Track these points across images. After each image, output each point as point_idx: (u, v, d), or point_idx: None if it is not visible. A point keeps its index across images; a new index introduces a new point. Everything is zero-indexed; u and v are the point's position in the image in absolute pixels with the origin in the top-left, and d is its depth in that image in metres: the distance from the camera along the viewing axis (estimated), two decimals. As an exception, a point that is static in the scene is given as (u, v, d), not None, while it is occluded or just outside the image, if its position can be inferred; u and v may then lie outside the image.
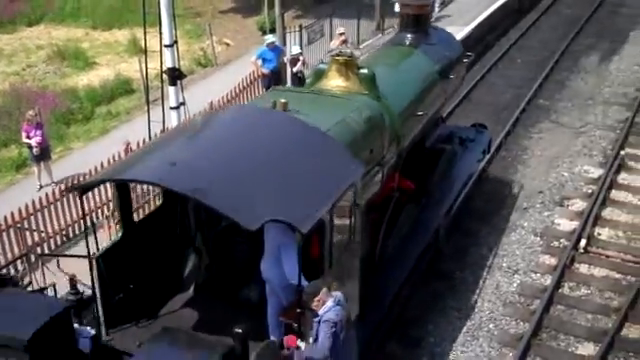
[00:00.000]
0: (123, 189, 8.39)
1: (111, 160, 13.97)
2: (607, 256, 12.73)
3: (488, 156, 15.25)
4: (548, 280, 12.06)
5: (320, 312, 7.24)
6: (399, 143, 10.49)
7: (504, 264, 12.66)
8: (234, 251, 8.93)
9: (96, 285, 7.85)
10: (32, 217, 12.66)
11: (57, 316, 6.96)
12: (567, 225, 13.61)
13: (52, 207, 13.01)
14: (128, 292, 8.24)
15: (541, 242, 13.22)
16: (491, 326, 11.18)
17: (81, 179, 13.65)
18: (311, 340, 7.32)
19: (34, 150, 14.79)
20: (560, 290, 11.90)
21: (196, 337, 7.43)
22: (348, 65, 10.23)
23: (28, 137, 14.80)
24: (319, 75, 10.57)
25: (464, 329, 11.13)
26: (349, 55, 10.33)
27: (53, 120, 18.05)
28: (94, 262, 7.83)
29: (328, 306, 7.25)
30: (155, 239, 8.55)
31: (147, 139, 13.58)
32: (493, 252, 12.99)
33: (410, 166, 11.37)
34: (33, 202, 12.71)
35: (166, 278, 8.70)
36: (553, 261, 12.61)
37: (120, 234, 8.41)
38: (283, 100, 8.86)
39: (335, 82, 10.29)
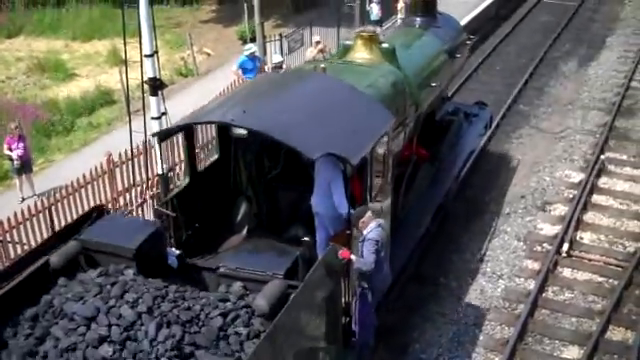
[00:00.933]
0: (190, 139, 9.62)
1: (93, 172, 13.90)
2: (590, 260, 12.85)
3: (489, 132, 16.70)
4: (532, 284, 12.14)
5: (364, 232, 8.51)
6: (417, 109, 11.87)
7: (488, 269, 12.72)
8: (280, 198, 10.30)
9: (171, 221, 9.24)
10: (14, 230, 12.55)
11: (154, 233, 8.29)
12: (549, 230, 13.72)
13: (34, 220, 12.91)
14: (194, 230, 9.56)
15: (524, 247, 13.31)
16: (476, 331, 11.23)
17: (63, 192, 13.57)
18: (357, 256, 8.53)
19: (15, 163, 14.69)
20: (544, 294, 11.99)
21: (274, 243, 9.31)
22: (372, 40, 11.70)
23: (9, 149, 14.71)
24: (345, 50, 12.01)
25: (450, 335, 11.17)
26: (372, 31, 11.98)
27: (34, 132, 17.92)
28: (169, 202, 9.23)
29: (371, 227, 8.52)
30: (212, 188, 9.89)
31: (129, 150, 13.54)
32: (476, 257, 13.06)
33: (423, 136, 12.69)
34: (15, 215, 12.60)
35: (222, 222, 9.97)
36: (536, 265, 12.70)
37: (187, 180, 9.67)
38: (323, 65, 10.88)
39: (360, 55, 11.68)
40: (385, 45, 11.76)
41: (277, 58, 18.65)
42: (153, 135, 9.46)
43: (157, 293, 7.22)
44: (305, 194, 9.01)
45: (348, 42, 12.17)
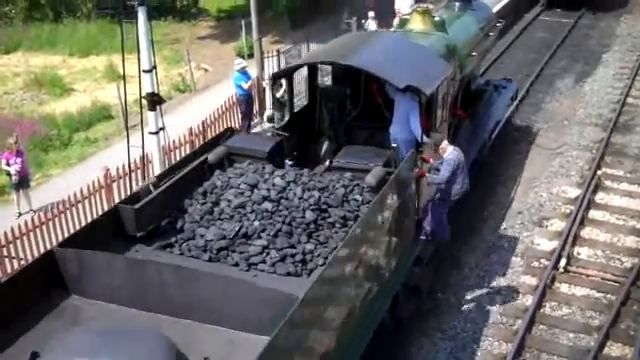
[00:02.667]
0: (290, 81, 12.29)
1: (90, 186, 13.90)
2: (587, 275, 12.85)
3: (516, 102, 19.49)
4: (530, 300, 12.13)
5: (444, 156, 10.88)
6: (462, 70, 14.11)
7: (486, 284, 12.71)
8: (356, 136, 12.49)
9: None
10: (11, 245, 12.54)
11: (278, 143, 10.90)
12: (547, 245, 13.73)
13: (31, 234, 12.90)
14: (292, 157, 11.75)
15: (522, 262, 13.31)
16: (474, 347, 11.21)
17: (60, 207, 13.57)
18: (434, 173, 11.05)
19: (13, 178, 14.68)
20: (542, 310, 11.98)
21: (368, 148, 11.38)
22: (425, 14, 14.19)
23: (7, 164, 14.70)
24: (403, 22, 14.78)
25: (448, 350, 11.15)
26: (425, 8, 14.50)
27: (31, 147, 17.92)
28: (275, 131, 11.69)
29: (449, 150, 10.93)
30: (302, 128, 12.29)
31: (126, 165, 13.56)
32: (474, 273, 13.05)
33: (462, 101, 14.82)
34: (12, 229, 12.59)
35: (308, 157, 12.08)
36: (534, 281, 12.69)
37: (287, 116, 12.32)
38: (392, 29, 14.72)
39: (416, 26, 14.17)
40: (437, 18, 14.24)
41: (276, 75, 18.70)
42: (272, 75, 12.24)
43: (296, 172, 9.88)
44: (377, 131, 12.11)
45: (405, 16, 14.98)
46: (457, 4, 16.25)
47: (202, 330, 7.37)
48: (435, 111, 11.60)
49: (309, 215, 8.94)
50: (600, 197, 15.39)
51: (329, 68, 13.71)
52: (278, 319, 6.60)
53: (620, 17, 29.95)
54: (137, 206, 8.77)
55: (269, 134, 12.25)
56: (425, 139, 11.22)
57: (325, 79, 12.49)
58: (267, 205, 9.03)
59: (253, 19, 19.81)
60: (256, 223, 8.81)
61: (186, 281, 7.49)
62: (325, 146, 12.39)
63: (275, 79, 12.27)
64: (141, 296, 7.67)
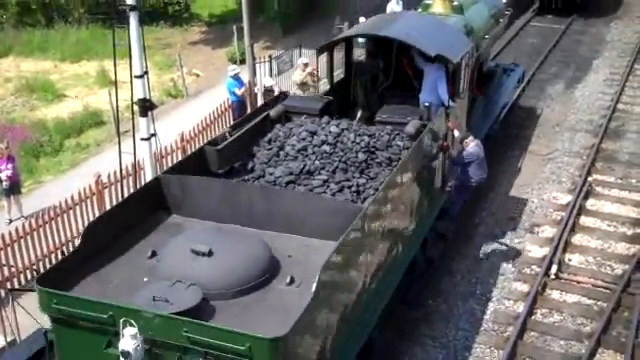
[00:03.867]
0: (331, 56, 13.97)
1: (82, 193, 13.86)
2: (578, 282, 12.88)
3: (522, 85, 21.24)
4: (521, 307, 12.14)
5: (467, 148, 12.86)
6: (478, 49, 15.58)
7: (477, 291, 12.72)
8: (388, 104, 13.52)
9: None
10: (1, 252, 12.48)
11: (328, 103, 12.43)
12: (538, 252, 13.75)
13: (22, 241, 12.84)
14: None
15: (513, 269, 13.33)
16: (466, 354, 11.20)
17: (51, 213, 13.52)
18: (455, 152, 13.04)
19: (4, 184, 14.62)
20: (533, 317, 11.99)
21: (403, 107, 12.97)
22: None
23: (-2, 170, 14.65)
24: (425, 7, 16.56)
25: (440, 358, 11.14)
26: None
27: (22, 153, 17.86)
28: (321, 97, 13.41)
29: (472, 145, 12.88)
30: (339, 97, 13.68)
31: (118, 171, 13.51)
32: (466, 280, 13.06)
33: (476, 81, 16.09)
34: (2, 236, 12.54)
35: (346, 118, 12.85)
36: (525, 288, 12.71)
37: (329, 86, 14.30)
38: (420, 10, 16.57)
39: (437, 9, 16.09)
40: (455, 3, 16.00)
41: (268, 82, 18.71)
42: (318, 48, 14.05)
43: (348, 122, 11.57)
44: (407, 99, 13.36)
45: (427, 1, 16.64)
46: None
47: (283, 238, 8.95)
48: (459, 79, 13.26)
49: (361, 156, 10.64)
50: (591, 203, 15.43)
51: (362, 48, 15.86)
52: (345, 227, 8.17)
53: (610, 23, 30.06)
54: (219, 147, 10.53)
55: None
56: (451, 103, 12.79)
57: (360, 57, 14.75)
58: (325, 148, 10.73)
59: (245, 25, 19.81)
60: (317, 162, 10.50)
61: (270, 198, 9.21)
62: (360, 113, 13.69)
63: (320, 52, 13.96)
64: (232, 213, 9.25)
